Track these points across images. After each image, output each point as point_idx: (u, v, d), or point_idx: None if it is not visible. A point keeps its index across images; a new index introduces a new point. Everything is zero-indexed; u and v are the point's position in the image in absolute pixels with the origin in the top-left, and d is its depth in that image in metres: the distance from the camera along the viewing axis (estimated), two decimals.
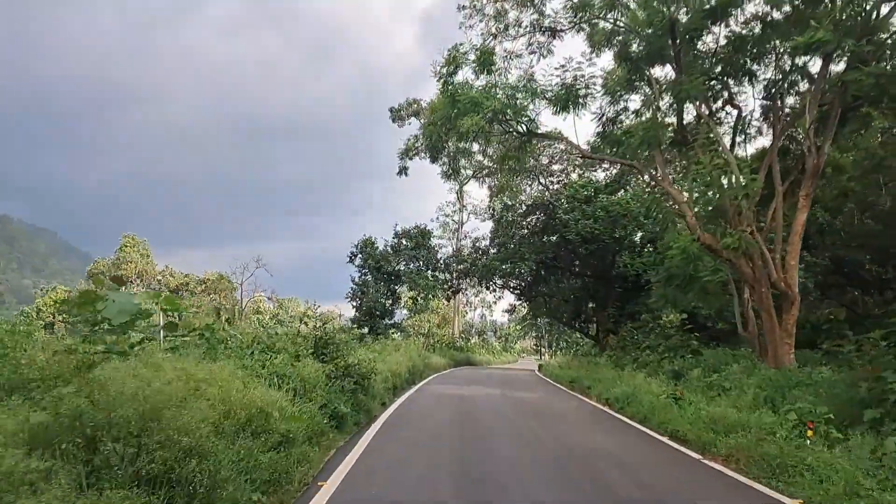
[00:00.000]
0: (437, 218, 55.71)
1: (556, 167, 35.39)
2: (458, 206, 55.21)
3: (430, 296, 32.91)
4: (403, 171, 20.29)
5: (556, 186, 34.38)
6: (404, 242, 33.57)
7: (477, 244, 35.46)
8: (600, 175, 35.79)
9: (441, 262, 34.68)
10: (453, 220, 56.40)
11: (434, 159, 20.08)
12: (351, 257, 33.52)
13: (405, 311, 76.96)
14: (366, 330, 33.36)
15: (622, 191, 32.62)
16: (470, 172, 58.51)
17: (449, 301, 38.94)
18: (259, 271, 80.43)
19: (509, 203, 32.52)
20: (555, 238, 34.81)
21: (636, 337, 29.03)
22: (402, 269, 33.03)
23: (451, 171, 21.23)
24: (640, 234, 31.24)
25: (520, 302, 39.93)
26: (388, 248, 33.42)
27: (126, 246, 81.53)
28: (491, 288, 36.38)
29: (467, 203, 57.12)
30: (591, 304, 36.83)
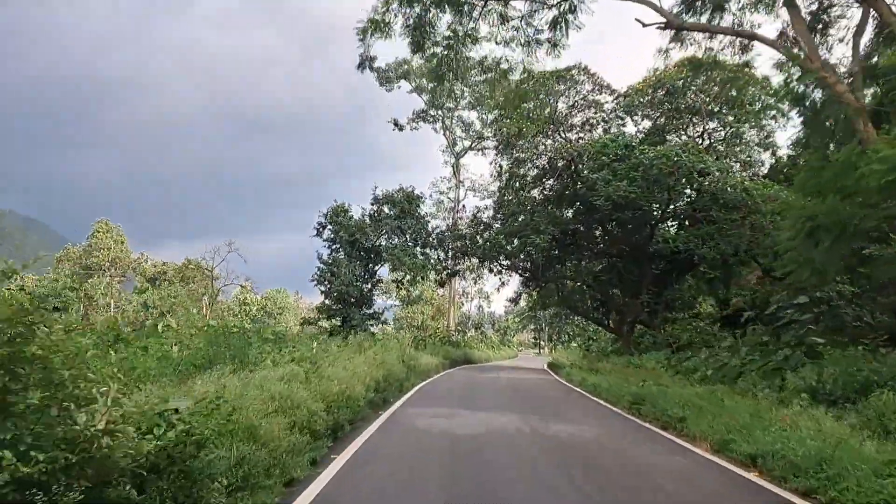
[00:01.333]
0: (431, 195, 48.27)
1: (576, 119, 27.98)
2: (455, 181, 47.72)
3: (418, 278, 25.43)
4: (366, 63, 12.84)
5: (578, 142, 26.97)
6: (386, 210, 26.03)
7: (478, 216, 27.99)
8: (630, 129, 28.47)
9: (433, 236, 27.20)
10: (449, 198, 48.92)
11: (417, 46, 12.48)
12: (318, 229, 25.97)
13: (397, 301, 69.74)
14: (338, 321, 25.91)
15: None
16: (468, 143, 51.18)
17: (442, 286, 31.47)
18: (248, 261, 72.61)
19: (521, 156, 24.97)
20: (572, 210, 27.48)
21: (701, 333, 21.91)
22: (382, 244, 25.50)
23: (443, 71, 13.71)
24: (690, 195, 23.89)
25: (527, 288, 32.54)
26: (366, 218, 25.88)
27: (99, 232, 74.29)
28: (494, 270, 28.98)
29: (464, 178, 49.65)
30: (614, 291, 29.55)
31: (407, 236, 25.78)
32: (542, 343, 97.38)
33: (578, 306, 32.63)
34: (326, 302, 25.51)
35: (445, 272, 28.71)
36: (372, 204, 26.01)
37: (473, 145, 48.55)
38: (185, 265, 65.18)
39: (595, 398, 14.92)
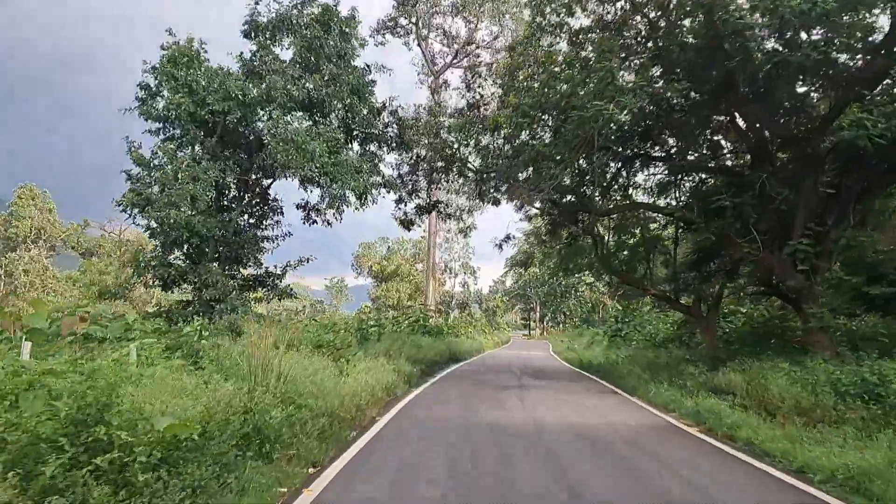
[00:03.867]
0: None
1: None
2: (433, 101, 33.41)
3: (348, 195, 11.14)
4: None
5: None
6: (280, 53, 11.69)
7: (472, 83, 13.83)
8: None
9: (385, 116, 13.02)
10: None
11: None
12: (142, 99, 11.67)
13: (370, 280, 55.26)
14: (189, 298, 11.84)
15: None
16: (450, 59, 36.98)
17: (409, 228, 17.05)
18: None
19: None
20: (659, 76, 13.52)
21: None
22: (271, 128, 11.13)
23: None
24: None
25: (554, 236, 18.69)
26: (238, 70, 11.56)
27: (21, 199, 60.07)
28: (524, 205, 14.98)
29: (447, 106, 35.42)
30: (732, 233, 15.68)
31: (333, 117, 11.54)
32: (531, 324, 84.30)
33: (624, 269, 18.93)
34: (158, 252, 11.36)
35: (414, 203, 14.72)
36: (247, 36, 11.57)
37: (458, 60, 34.46)
38: (78, 226, 50.50)
39: None
